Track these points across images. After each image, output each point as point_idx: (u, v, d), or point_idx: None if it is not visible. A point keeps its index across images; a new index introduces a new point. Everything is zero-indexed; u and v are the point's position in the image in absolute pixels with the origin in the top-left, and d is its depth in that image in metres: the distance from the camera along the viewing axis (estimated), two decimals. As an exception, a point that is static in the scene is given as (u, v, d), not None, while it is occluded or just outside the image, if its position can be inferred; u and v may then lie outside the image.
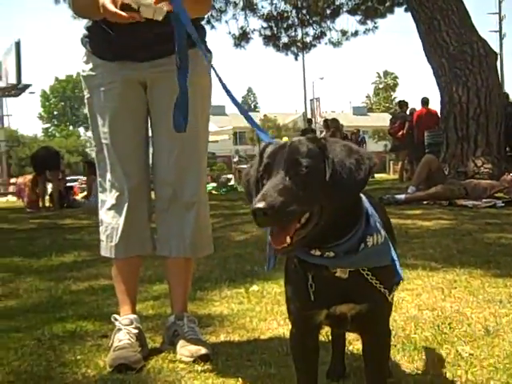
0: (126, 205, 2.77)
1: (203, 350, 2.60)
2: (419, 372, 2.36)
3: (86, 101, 2.87)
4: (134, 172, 2.79)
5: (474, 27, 11.62)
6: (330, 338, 2.41)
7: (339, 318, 1.71)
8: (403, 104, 16.89)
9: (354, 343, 2.61)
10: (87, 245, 6.32)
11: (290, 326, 1.90)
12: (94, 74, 2.79)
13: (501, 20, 44.58)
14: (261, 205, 1.43)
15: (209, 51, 2.81)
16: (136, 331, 2.72)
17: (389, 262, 1.72)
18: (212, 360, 2.57)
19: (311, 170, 1.53)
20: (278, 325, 3.07)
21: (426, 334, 2.81)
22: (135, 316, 2.80)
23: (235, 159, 28.10)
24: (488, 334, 2.75)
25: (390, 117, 18.65)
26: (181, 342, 2.68)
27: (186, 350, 2.62)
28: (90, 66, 2.80)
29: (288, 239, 1.51)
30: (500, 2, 44.89)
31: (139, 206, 2.82)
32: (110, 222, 2.82)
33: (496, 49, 12.38)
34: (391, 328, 2.85)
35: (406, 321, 3.02)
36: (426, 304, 3.36)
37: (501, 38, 43.09)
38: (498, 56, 12.25)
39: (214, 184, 18.32)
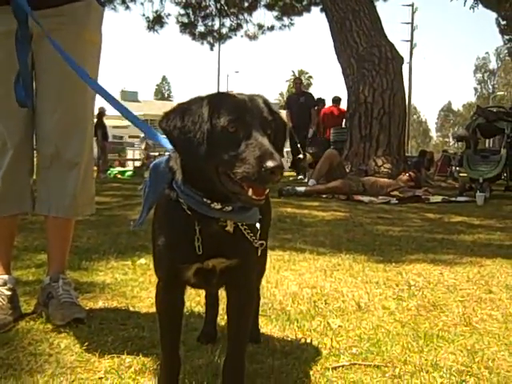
0: (6, 162, 2.64)
1: (77, 314, 2.55)
2: (288, 339, 2.43)
3: None
4: (15, 129, 2.65)
5: (383, 31, 12.04)
6: (204, 302, 2.44)
7: (208, 272, 1.72)
8: (320, 101, 17.07)
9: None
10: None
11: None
12: None
13: (413, 30, 46.33)
14: (277, 163, 1.46)
15: (102, 4, 2.74)
16: (9, 293, 2.63)
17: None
18: (85, 323, 2.54)
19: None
20: (158, 294, 3.05)
21: (301, 307, 2.89)
22: (9, 276, 2.70)
23: (143, 146, 27.64)
24: (359, 310, 2.87)
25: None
26: (54, 305, 2.61)
27: (58, 312, 2.56)
28: None
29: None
30: (413, 13, 46.65)
31: (19, 163, 2.69)
32: None
33: (406, 58, 12.83)
34: (268, 301, 2.94)
35: (285, 296, 3.09)
36: (306, 283, 3.44)
37: (411, 48, 44.72)
38: (408, 65, 12.74)
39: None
